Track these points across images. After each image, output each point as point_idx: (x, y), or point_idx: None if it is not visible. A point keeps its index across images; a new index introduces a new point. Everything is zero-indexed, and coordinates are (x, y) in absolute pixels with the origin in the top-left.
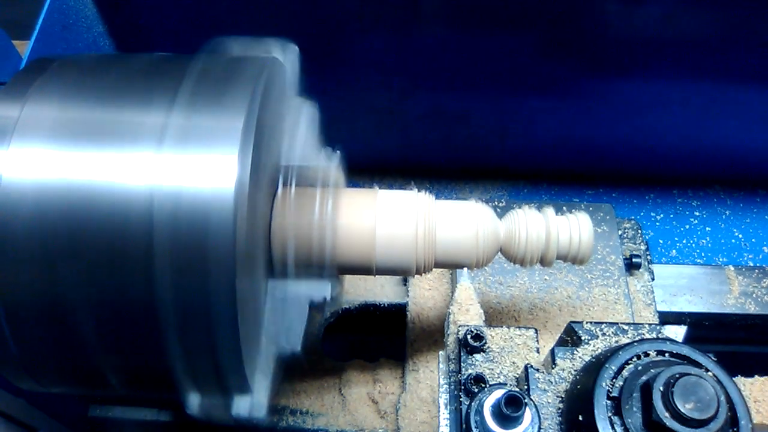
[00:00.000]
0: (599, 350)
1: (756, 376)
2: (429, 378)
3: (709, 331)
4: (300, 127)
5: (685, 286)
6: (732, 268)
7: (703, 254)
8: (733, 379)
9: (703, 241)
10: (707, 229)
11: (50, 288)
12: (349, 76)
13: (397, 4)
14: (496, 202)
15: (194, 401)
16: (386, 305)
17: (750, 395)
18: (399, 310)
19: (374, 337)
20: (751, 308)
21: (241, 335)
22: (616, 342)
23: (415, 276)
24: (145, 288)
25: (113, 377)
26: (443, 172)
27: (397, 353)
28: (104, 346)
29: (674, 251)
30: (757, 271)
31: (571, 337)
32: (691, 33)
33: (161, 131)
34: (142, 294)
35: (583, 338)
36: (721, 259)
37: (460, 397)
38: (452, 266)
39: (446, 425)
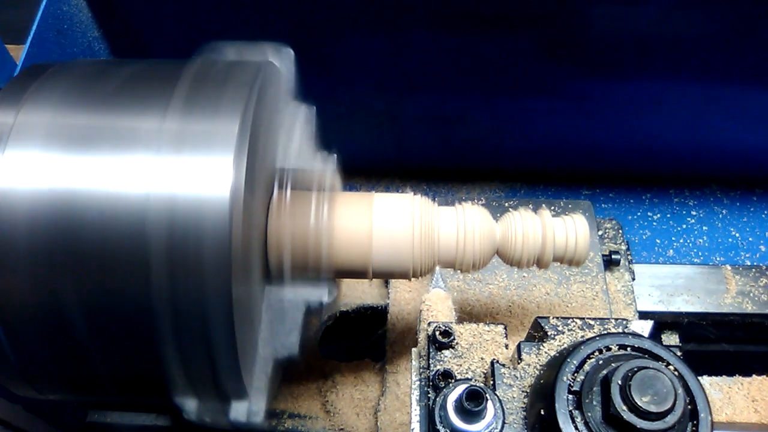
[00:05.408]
0: (565, 345)
1: (754, 375)
2: (408, 379)
3: (707, 331)
4: (296, 131)
5: (682, 286)
6: (729, 268)
7: (700, 254)
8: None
9: (700, 240)
10: (704, 228)
11: (46, 295)
12: (344, 78)
13: (392, 7)
14: (493, 202)
15: (192, 406)
16: (383, 307)
17: (748, 394)
18: None
19: (370, 339)
20: (749, 307)
21: (237, 340)
22: (582, 337)
23: (411, 279)
24: (142, 294)
25: (111, 383)
26: (440, 173)
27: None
28: (101, 352)
29: (671, 251)
30: (754, 270)
31: (537, 333)
32: (687, 33)
33: (156, 136)
34: (139, 300)
35: (549, 333)
36: (718, 259)
37: (428, 393)
38: (449, 268)
39: (417, 421)
